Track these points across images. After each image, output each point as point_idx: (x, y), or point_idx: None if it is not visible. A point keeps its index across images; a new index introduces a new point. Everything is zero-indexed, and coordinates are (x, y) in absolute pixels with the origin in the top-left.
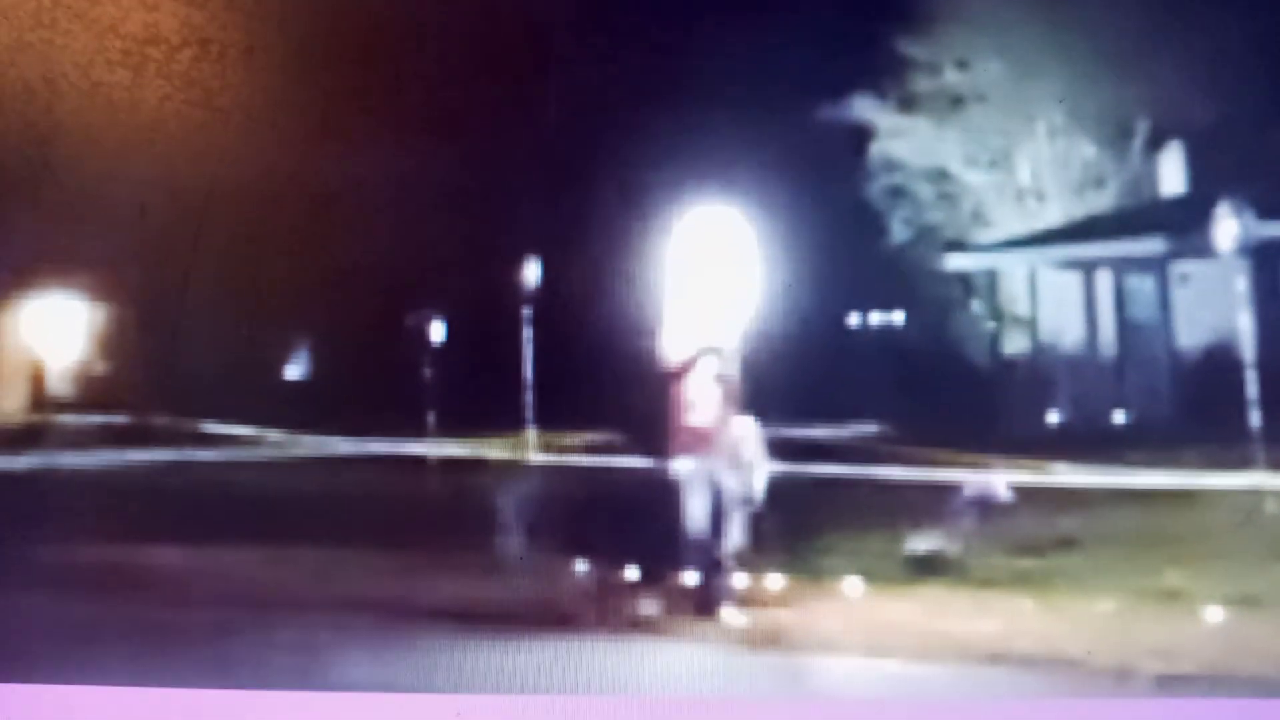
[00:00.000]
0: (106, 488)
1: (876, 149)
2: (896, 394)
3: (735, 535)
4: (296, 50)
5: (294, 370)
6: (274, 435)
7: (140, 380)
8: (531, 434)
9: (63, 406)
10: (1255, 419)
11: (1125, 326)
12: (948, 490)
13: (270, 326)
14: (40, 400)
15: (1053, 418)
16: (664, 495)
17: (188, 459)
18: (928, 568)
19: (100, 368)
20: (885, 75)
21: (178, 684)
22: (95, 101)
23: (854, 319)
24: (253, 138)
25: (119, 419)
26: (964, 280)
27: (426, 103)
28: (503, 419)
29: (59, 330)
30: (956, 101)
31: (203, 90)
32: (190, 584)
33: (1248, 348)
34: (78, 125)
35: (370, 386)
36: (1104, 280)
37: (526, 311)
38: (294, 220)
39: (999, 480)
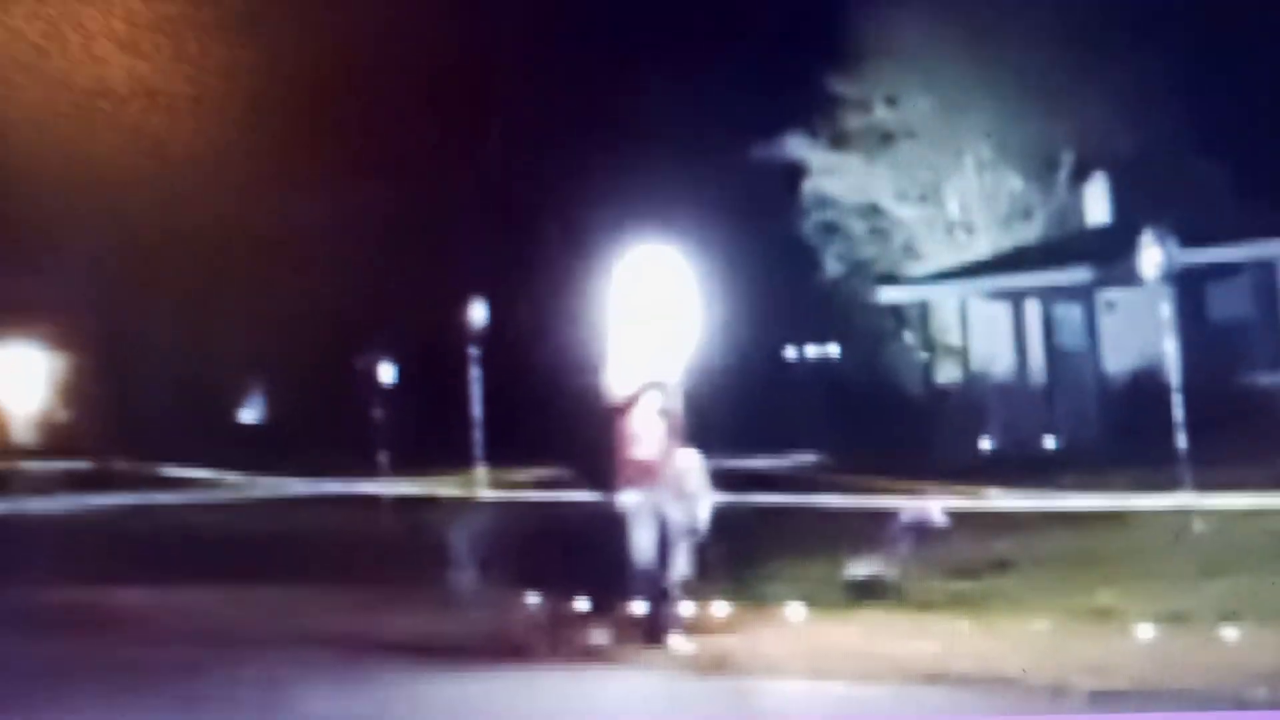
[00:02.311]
0: (71, 531)
1: (810, 186)
2: (834, 424)
3: (681, 565)
4: (243, 99)
5: (249, 413)
6: (231, 477)
7: (100, 427)
8: (481, 471)
9: (26, 453)
10: (1181, 441)
11: (1054, 353)
12: (885, 516)
13: (224, 371)
14: (3, 448)
15: (985, 444)
16: (611, 527)
17: (149, 502)
18: (867, 592)
19: (61, 415)
20: (816, 113)
21: None
22: (46, 152)
23: (791, 352)
24: (202, 186)
25: (81, 465)
26: (897, 312)
27: (370, 149)
28: (453, 457)
29: (17, 378)
30: (886, 138)
31: (152, 140)
32: (155, 623)
33: (1173, 372)
34: (30, 176)
35: (323, 428)
36: (1033, 309)
37: (474, 351)
38: (244, 266)
39: (935, 506)
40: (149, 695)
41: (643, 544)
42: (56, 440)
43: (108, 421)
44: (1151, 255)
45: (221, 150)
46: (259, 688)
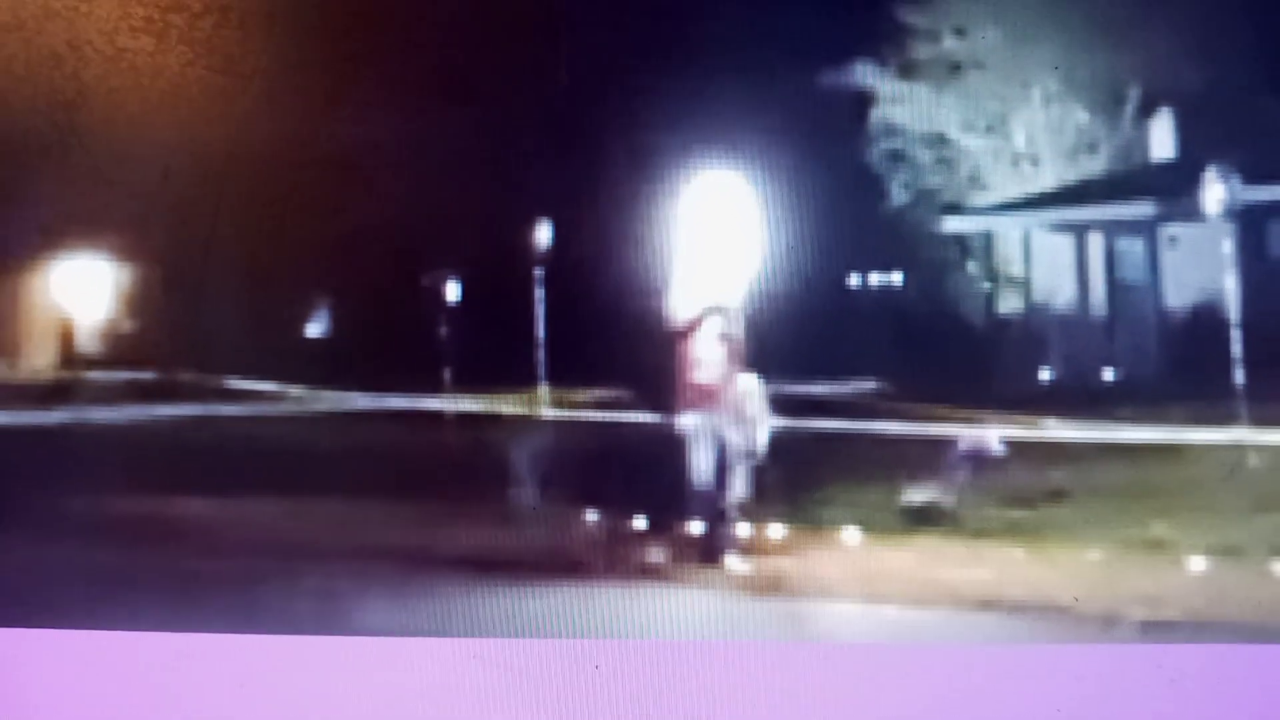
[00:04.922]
0: (135, 441)
1: (877, 114)
2: (895, 352)
3: (739, 487)
4: (314, 16)
5: (314, 328)
6: (295, 391)
7: (166, 338)
8: (544, 390)
9: (91, 363)
10: (1239, 377)
11: (1115, 287)
12: (943, 444)
13: (291, 286)
14: (69, 357)
15: (1045, 375)
16: (671, 449)
17: (213, 414)
18: (923, 518)
19: (127, 326)
20: (886, 42)
21: (206, 629)
22: (120, 67)
23: (854, 280)
24: (272, 102)
25: (146, 375)
26: (961, 242)
27: (439, 67)
28: (516, 375)
29: (87, 289)
30: (955, 68)
31: (224, 56)
32: (218, 534)
33: (1233, 308)
34: (103, 91)
35: (388, 344)
36: (1095, 242)
37: (538, 272)
38: (313, 183)
39: (992, 435)
40: (209, 605)
41: (701, 466)
42: (121, 350)
43: (173, 333)
44: (1214, 192)
45: (292, 67)
46: (319, 599)
